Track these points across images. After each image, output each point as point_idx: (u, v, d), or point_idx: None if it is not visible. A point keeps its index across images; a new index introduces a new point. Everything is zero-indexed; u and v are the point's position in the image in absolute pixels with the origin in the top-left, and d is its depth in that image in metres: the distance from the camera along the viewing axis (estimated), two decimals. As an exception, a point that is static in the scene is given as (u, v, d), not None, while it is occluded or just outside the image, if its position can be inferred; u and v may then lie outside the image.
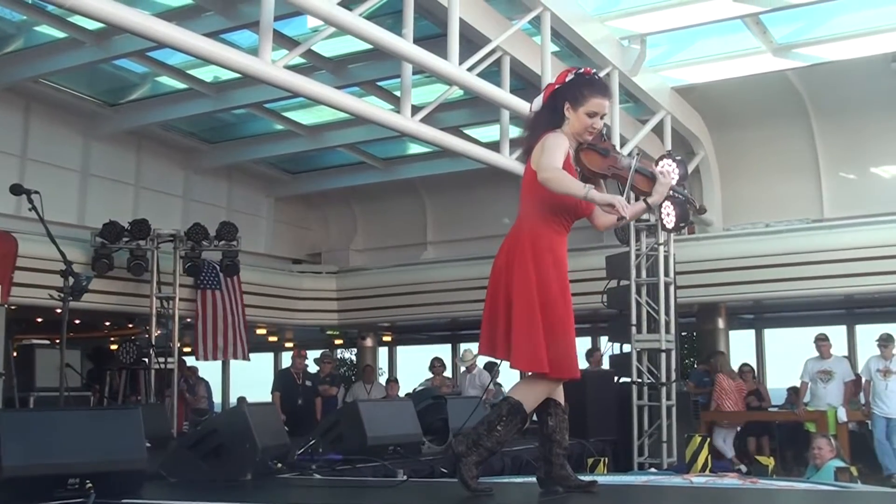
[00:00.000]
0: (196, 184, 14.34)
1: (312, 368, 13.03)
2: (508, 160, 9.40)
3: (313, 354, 13.53)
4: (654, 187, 4.09)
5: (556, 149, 3.95)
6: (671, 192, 4.25)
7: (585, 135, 4.08)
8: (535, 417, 4.19)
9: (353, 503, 4.11)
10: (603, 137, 4.18)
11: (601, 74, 10.27)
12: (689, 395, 11.25)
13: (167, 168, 13.96)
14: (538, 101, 4.22)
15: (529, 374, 4.11)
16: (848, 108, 12.45)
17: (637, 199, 4.14)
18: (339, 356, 20.64)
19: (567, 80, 4.14)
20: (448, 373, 14.40)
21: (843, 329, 14.84)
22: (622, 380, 10.69)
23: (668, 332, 10.46)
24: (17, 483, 3.99)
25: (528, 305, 3.95)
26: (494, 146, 9.86)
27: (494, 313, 4.07)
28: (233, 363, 19.50)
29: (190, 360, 14.43)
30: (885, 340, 10.91)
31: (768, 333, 15.89)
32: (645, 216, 10.86)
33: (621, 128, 10.67)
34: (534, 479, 4.31)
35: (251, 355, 13.49)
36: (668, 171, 4.24)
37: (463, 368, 13.06)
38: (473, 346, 13.29)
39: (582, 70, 4.18)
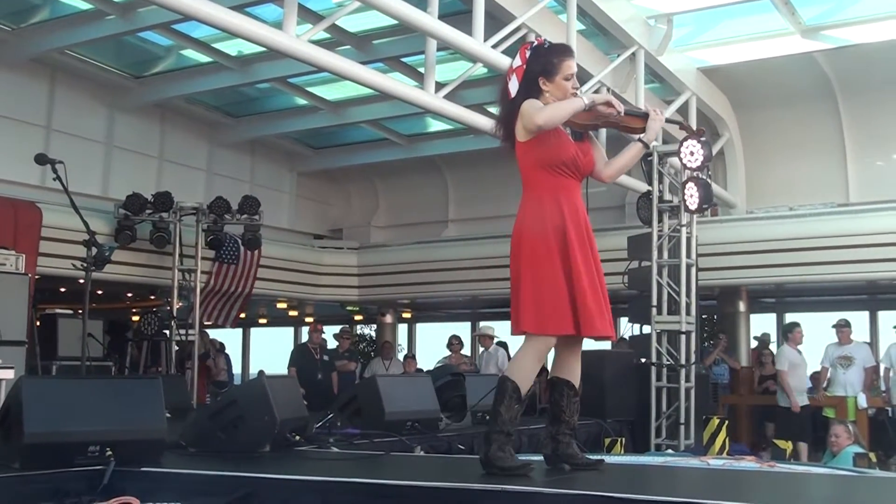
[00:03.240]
0: (219, 157, 14.38)
1: (332, 344, 13.11)
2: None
3: (331, 329, 13.59)
4: (646, 124, 4.19)
5: (531, 106, 4.04)
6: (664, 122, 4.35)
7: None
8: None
9: (371, 477, 4.13)
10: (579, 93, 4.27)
11: (627, 53, 10.29)
12: (708, 377, 11.20)
13: (191, 141, 14.01)
14: (514, 84, 4.25)
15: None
16: (876, 92, 12.31)
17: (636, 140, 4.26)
18: (358, 332, 20.70)
19: (528, 56, 4.22)
20: (466, 350, 14.43)
21: (865, 315, 14.75)
22: (642, 360, 10.67)
23: (688, 314, 10.41)
24: (38, 449, 4.03)
25: (515, 271, 4.05)
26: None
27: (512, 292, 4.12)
28: (252, 336, 19.72)
29: (213, 334, 14.52)
30: None
31: (790, 318, 15.80)
32: (668, 197, 10.83)
33: (646, 108, 10.59)
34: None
35: (271, 330, 13.57)
36: (657, 113, 4.25)
37: (482, 349, 13.06)
38: (493, 324, 13.31)
39: (535, 42, 4.29)
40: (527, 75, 4.20)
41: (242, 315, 13.61)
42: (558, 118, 4.00)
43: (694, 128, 4.89)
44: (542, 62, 4.18)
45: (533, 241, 4.02)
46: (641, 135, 4.21)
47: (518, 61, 4.27)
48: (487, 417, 4.11)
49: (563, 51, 4.26)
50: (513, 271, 4.09)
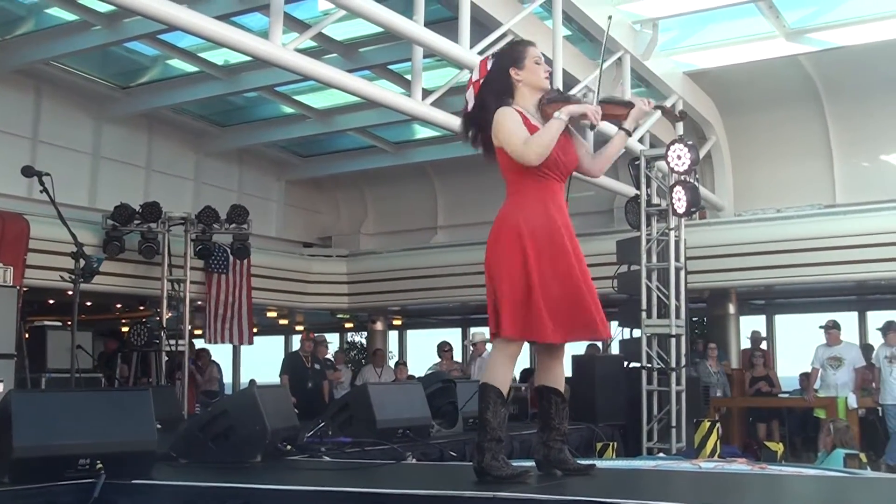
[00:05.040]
0: (207, 167, 14.37)
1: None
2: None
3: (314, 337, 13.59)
4: (627, 111, 4.18)
5: (509, 122, 4.00)
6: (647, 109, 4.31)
7: (544, 81, 4.15)
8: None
9: (363, 486, 4.12)
10: (556, 90, 4.27)
11: (613, 58, 10.32)
12: (698, 380, 11.22)
13: (178, 151, 13.99)
14: (471, 96, 4.27)
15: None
16: (861, 94, 12.39)
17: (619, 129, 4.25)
18: (349, 339, 20.68)
19: (490, 63, 4.30)
20: (457, 356, 14.42)
21: (854, 315, 14.79)
22: (632, 365, 10.68)
23: (678, 317, 10.42)
24: (28, 463, 4.01)
25: (494, 275, 4.05)
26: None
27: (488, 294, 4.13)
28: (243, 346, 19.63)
29: (200, 343, 14.49)
30: (885, 328, 10.92)
31: (779, 319, 15.85)
32: (656, 201, 10.85)
33: (633, 113, 10.62)
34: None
35: (262, 338, 13.56)
36: (645, 104, 4.25)
37: (471, 349, 13.06)
38: (483, 330, 13.31)
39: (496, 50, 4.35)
40: (495, 75, 4.20)
41: (255, 329, 13.59)
42: (548, 147, 3.95)
43: (677, 112, 4.88)
44: (509, 56, 4.22)
45: (508, 244, 4.00)
46: (623, 122, 4.21)
47: (476, 75, 4.29)
48: (478, 424, 4.09)
49: (524, 41, 4.34)
50: (491, 274, 4.07)
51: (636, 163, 10.62)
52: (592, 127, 4.18)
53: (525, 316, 3.93)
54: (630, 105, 4.21)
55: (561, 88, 4.37)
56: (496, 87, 4.17)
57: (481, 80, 4.26)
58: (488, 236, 4.11)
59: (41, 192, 6.54)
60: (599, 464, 4.84)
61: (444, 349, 13.42)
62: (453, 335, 16.04)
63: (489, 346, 12.60)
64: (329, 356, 13.69)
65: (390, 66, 11.47)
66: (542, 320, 3.92)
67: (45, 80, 11.86)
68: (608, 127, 6.44)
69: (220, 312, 12.69)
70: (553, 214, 4.04)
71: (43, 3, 10.16)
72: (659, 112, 4.43)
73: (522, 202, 4.05)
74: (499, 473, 3.96)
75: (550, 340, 3.99)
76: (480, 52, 8.31)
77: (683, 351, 10.47)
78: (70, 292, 6.84)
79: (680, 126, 11.68)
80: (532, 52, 4.17)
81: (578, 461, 4.33)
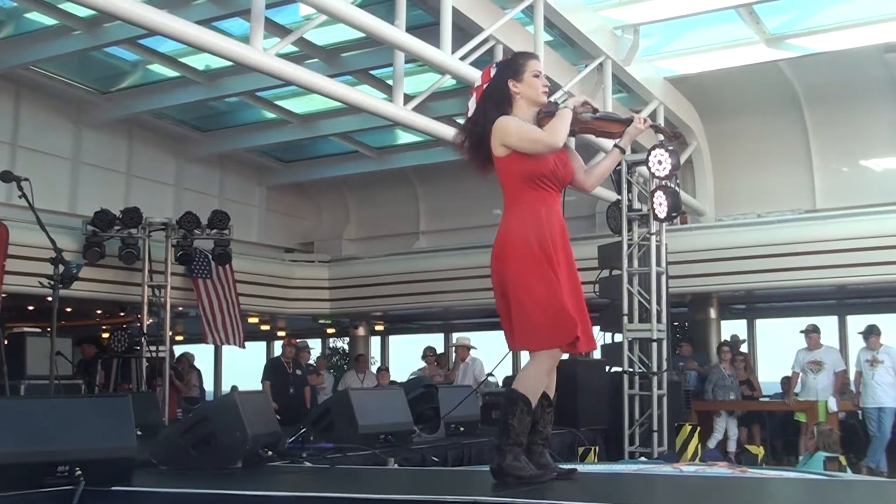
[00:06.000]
0: (188, 172, 14.30)
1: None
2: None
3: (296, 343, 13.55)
4: (623, 128, 4.23)
5: (515, 123, 4.08)
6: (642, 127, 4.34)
7: (541, 96, 4.20)
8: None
9: (344, 491, 4.11)
10: (554, 103, 4.32)
11: (595, 64, 10.34)
12: (680, 384, 11.26)
13: (159, 156, 13.92)
14: (473, 102, 4.30)
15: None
16: (840, 99, 12.46)
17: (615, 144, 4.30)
18: (331, 345, 20.64)
19: (493, 71, 4.32)
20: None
21: (834, 320, 14.87)
22: (614, 369, 10.70)
23: (659, 321, 10.47)
24: (6, 470, 3.97)
25: (508, 288, 4.05)
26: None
27: (503, 307, 4.12)
28: (225, 351, 19.59)
29: (181, 349, 14.43)
30: (867, 332, 11.00)
31: (760, 324, 15.92)
32: (637, 206, 10.89)
33: (614, 118, 10.65)
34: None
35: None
36: (642, 122, 4.29)
37: (454, 356, 13.07)
38: (466, 335, 13.31)
39: (500, 59, 4.37)
40: (495, 85, 4.24)
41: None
42: (563, 134, 4.03)
43: (670, 132, 4.90)
44: (510, 67, 4.25)
45: (524, 256, 4.02)
46: (618, 140, 4.24)
47: (479, 81, 4.32)
48: (501, 428, 4.09)
49: (525, 54, 4.37)
50: (504, 288, 4.06)
51: (617, 168, 10.65)
52: (593, 124, 4.22)
53: (562, 326, 3.98)
54: (627, 122, 4.23)
55: (558, 102, 4.40)
56: (496, 96, 4.21)
57: (486, 84, 4.29)
58: (493, 249, 4.12)
59: (20, 197, 6.50)
60: (581, 468, 4.85)
61: (427, 354, 13.42)
62: (436, 340, 16.08)
63: (472, 353, 12.65)
64: (311, 361, 13.67)
65: (372, 72, 11.46)
66: (574, 330, 3.99)
67: (25, 84, 11.78)
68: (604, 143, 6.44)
69: (217, 315, 12.65)
70: (554, 224, 4.09)
71: (22, 7, 10.09)
72: (654, 130, 4.48)
73: (526, 212, 4.08)
74: (520, 474, 3.99)
75: (585, 349, 4.04)
76: (462, 58, 8.32)
77: (665, 355, 10.51)
78: (49, 298, 6.79)
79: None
80: (532, 66, 4.19)
81: (560, 465, 4.33)
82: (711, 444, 11.74)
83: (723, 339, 13.62)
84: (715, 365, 12.63)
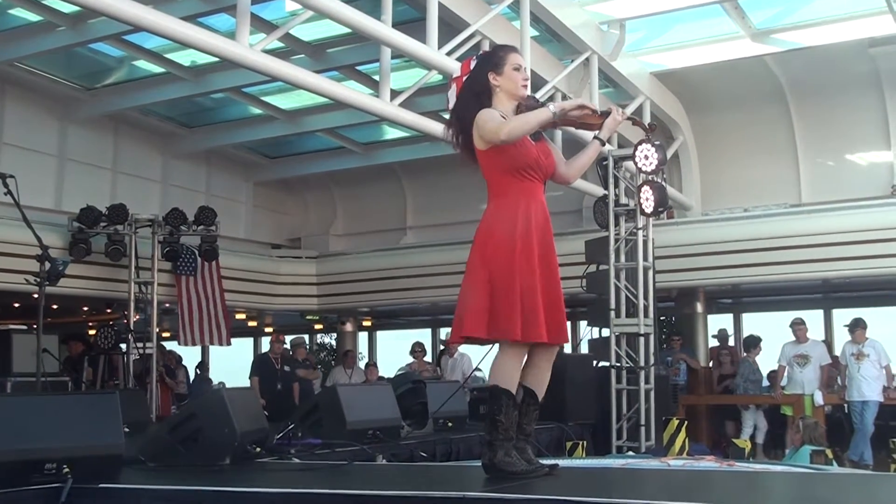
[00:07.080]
0: (174, 168, 14.26)
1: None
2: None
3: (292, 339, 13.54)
4: (602, 120, 4.22)
5: (487, 114, 4.06)
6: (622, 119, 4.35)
7: (521, 89, 4.19)
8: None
9: (333, 487, 4.11)
10: (534, 97, 4.32)
11: (581, 59, 10.36)
12: (667, 378, 11.29)
13: (145, 152, 13.87)
14: (452, 94, 4.30)
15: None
16: (826, 94, 12.52)
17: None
18: (318, 341, 20.61)
19: (472, 65, 4.33)
20: (429, 357, 14.42)
21: (820, 313, 14.94)
22: (601, 364, 10.72)
23: (646, 316, 10.49)
24: (-7, 468, 3.96)
25: (471, 273, 4.07)
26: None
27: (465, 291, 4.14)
28: (212, 348, 19.53)
29: (170, 345, 14.39)
30: (852, 326, 11.06)
31: (746, 318, 15.98)
32: (624, 200, 10.91)
33: (600, 113, 10.68)
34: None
35: (231, 340, 13.46)
36: (619, 113, 4.30)
37: (441, 347, 13.07)
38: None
39: (480, 52, 4.36)
40: (475, 78, 4.24)
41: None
42: (523, 131, 4.01)
43: (647, 124, 4.90)
44: (491, 59, 4.25)
45: (504, 248, 4.01)
46: (597, 132, 4.25)
47: (458, 73, 4.32)
48: (489, 424, 4.09)
49: (506, 47, 4.35)
50: (479, 278, 4.05)
51: (604, 163, 10.67)
52: (574, 117, 4.21)
53: (526, 316, 3.96)
54: (605, 114, 4.24)
55: (537, 96, 4.40)
56: (476, 88, 4.21)
57: (466, 75, 4.29)
58: (475, 237, 4.11)
59: (5, 194, 6.48)
60: (569, 463, 4.86)
61: (416, 349, 13.43)
62: (423, 336, 16.04)
63: (461, 348, 12.65)
64: (306, 357, 13.63)
65: (358, 67, 11.44)
66: (538, 320, 3.97)
67: (10, 81, 11.72)
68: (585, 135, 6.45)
69: (194, 314, 12.60)
70: (537, 214, 4.08)
71: (6, 3, 10.03)
72: (630, 122, 4.49)
73: (507, 203, 4.08)
74: (513, 469, 4.00)
75: (544, 340, 4.01)
76: (448, 53, 8.32)
77: (652, 350, 10.54)
78: (35, 295, 6.77)
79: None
80: (513, 59, 4.19)
81: (542, 461, 4.33)
82: (744, 436, 11.80)
83: (748, 335, 13.60)
84: (744, 359, 12.66)
